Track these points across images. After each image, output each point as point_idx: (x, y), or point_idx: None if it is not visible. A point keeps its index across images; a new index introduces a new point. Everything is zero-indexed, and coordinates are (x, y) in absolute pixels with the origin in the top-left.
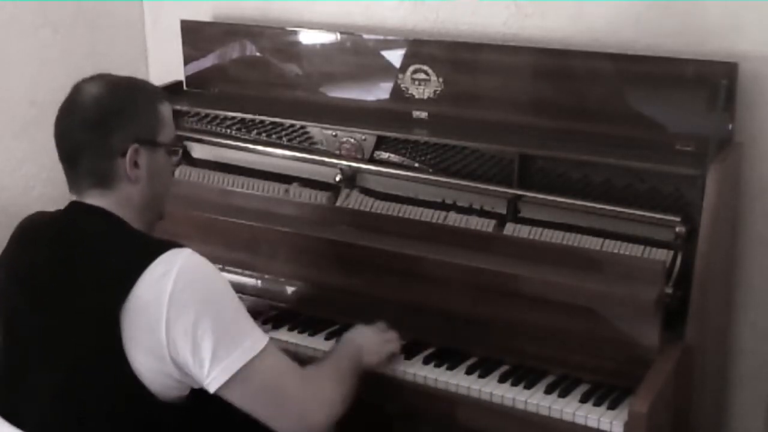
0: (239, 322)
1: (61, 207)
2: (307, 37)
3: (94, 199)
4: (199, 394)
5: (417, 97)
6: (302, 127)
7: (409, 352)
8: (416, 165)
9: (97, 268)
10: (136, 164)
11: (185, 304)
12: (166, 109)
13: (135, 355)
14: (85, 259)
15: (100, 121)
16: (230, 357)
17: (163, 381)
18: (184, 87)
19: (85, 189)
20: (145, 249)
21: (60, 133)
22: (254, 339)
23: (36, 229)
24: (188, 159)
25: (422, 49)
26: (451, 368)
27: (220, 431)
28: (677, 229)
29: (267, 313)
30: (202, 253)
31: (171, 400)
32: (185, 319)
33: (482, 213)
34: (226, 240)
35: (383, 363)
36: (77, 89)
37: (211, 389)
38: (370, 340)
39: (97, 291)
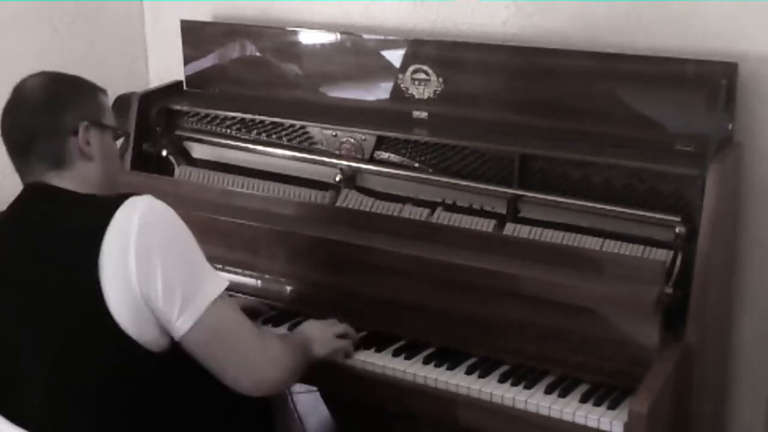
0: (201, 264)
1: None
2: (307, 37)
3: (52, 179)
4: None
5: (417, 97)
6: (302, 127)
7: (409, 352)
8: (416, 165)
9: (65, 236)
10: (87, 143)
11: (151, 248)
12: (106, 100)
13: (116, 308)
14: (51, 232)
15: (49, 103)
16: (196, 299)
17: (146, 330)
18: (184, 87)
19: (41, 173)
20: (106, 203)
21: (9, 125)
22: (216, 282)
23: None
24: (188, 159)
25: (422, 49)
26: (451, 368)
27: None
28: (677, 229)
29: (266, 313)
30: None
31: (162, 350)
32: (153, 262)
33: (482, 213)
34: (226, 240)
35: (333, 355)
36: (20, 85)
37: (178, 334)
38: (321, 333)
39: (71, 256)
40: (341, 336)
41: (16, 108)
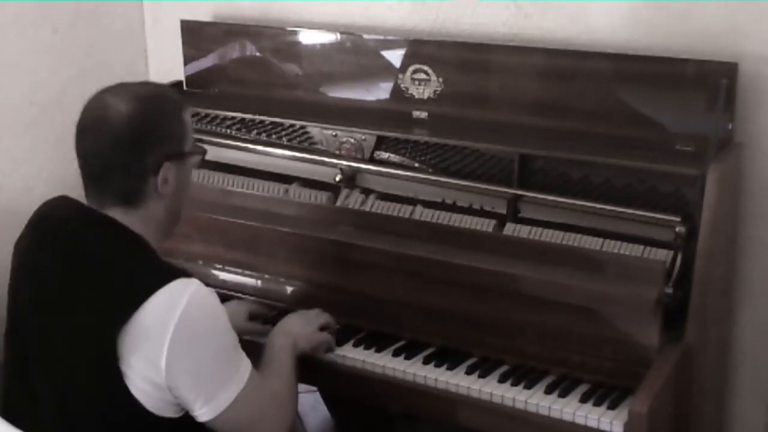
0: (233, 359)
1: None
2: (307, 37)
3: (117, 215)
4: None
5: (417, 97)
6: (302, 127)
7: (409, 352)
8: (416, 165)
9: (104, 286)
10: (165, 181)
11: (189, 339)
12: (189, 117)
13: (131, 377)
14: (95, 275)
15: (135, 142)
16: (222, 396)
17: (157, 403)
18: (184, 87)
19: (109, 206)
20: (154, 275)
21: (87, 150)
22: (241, 373)
23: (54, 225)
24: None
25: (422, 49)
26: (451, 368)
27: None
28: (677, 229)
29: (267, 315)
30: (203, 254)
31: (167, 416)
32: (187, 355)
33: (482, 213)
34: (226, 240)
35: (316, 349)
36: (102, 104)
37: (202, 419)
38: (303, 330)
39: (100, 309)
40: (323, 327)
41: (97, 133)
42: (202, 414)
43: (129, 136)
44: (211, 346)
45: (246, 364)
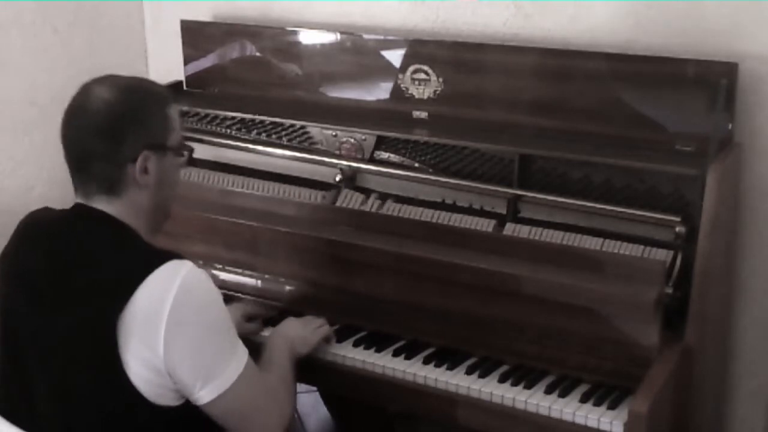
0: (230, 340)
1: (62, 207)
2: (307, 37)
3: (102, 204)
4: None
5: (417, 97)
6: (302, 127)
7: (409, 352)
8: (416, 165)
9: (96, 276)
10: (145, 170)
11: (185, 321)
12: (174, 112)
13: (130, 364)
14: (86, 266)
15: (112, 128)
16: (223, 375)
17: (157, 390)
18: (184, 87)
19: (92, 194)
20: (145, 259)
21: (69, 138)
22: (240, 355)
23: (40, 228)
24: (188, 159)
25: (422, 49)
26: (451, 368)
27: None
28: (677, 229)
29: (266, 315)
30: (203, 254)
31: (166, 405)
32: (184, 336)
33: (482, 213)
34: (226, 240)
35: (316, 349)
36: (86, 92)
37: (199, 403)
38: (301, 332)
39: (96, 298)
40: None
41: (79, 121)
42: (202, 396)
43: (107, 122)
44: (207, 326)
45: (243, 349)
